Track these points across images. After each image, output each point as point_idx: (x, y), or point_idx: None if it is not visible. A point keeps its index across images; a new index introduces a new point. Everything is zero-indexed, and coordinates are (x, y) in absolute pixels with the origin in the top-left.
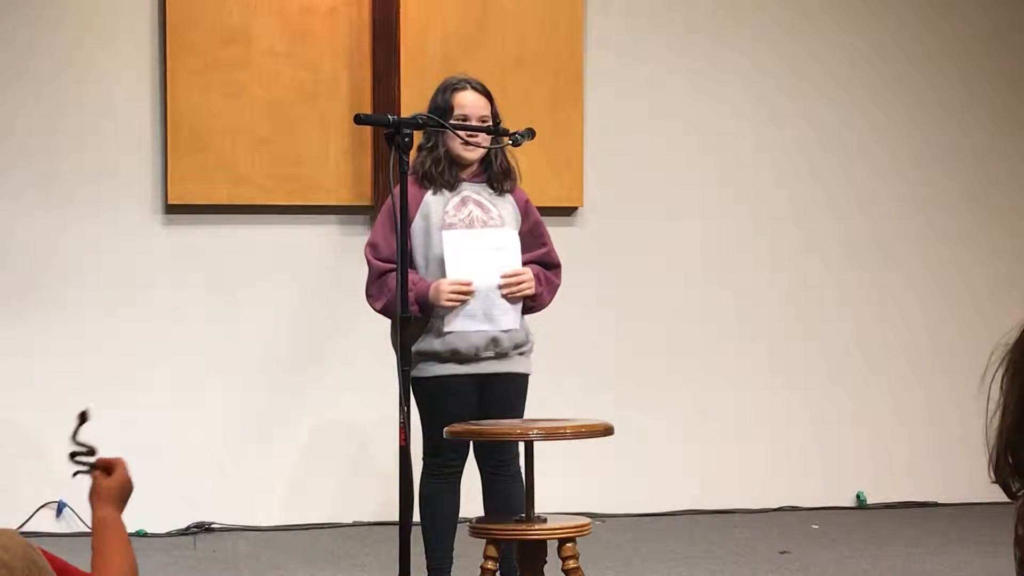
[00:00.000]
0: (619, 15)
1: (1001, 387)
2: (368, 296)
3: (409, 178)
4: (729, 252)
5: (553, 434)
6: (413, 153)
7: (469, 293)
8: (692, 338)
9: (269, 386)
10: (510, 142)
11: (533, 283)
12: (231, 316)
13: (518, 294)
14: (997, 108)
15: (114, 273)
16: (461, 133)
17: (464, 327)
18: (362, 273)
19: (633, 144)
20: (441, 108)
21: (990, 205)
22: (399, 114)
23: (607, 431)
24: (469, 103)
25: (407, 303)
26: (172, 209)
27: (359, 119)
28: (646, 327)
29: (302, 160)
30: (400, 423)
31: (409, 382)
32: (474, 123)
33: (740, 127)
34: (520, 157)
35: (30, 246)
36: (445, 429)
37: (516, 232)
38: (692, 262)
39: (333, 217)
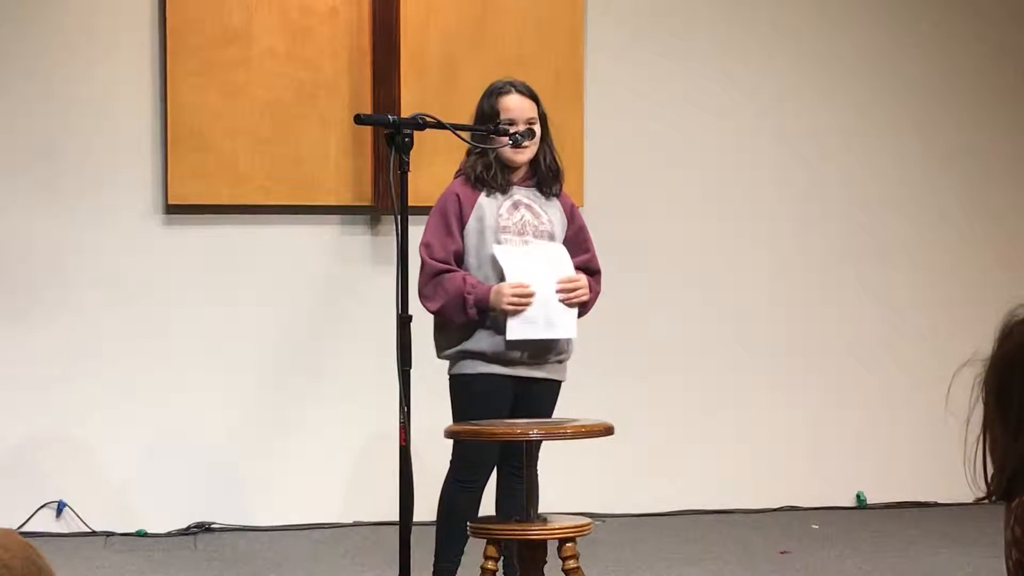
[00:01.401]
0: (619, 15)
1: (999, 405)
2: (422, 296)
3: (459, 180)
4: (729, 252)
5: (553, 434)
6: (414, 153)
7: (529, 296)
8: (692, 338)
9: (269, 386)
10: (510, 142)
11: (587, 293)
12: (231, 316)
13: (575, 300)
14: (998, 109)
15: (114, 273)
16: (506, 139)
17: (526, 334)
18: (362, 273)
19: (633, 144)
20: (487, 114)
21: (991, 207)
22: (399, 114)
23: (607, 431)
24: (515, 106)
25: (407, 303)
26: (172, 209)
27: (359, 119)
28: (646, 327)
29: (302, 160)
30: (400, 423)
31: (409, 382)
32: (521, 126)
33: (740, 127)
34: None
35: (30, 246)
36: (445, 429)
37: (563, 246)
38: (692, 262)
39: (333, 217)
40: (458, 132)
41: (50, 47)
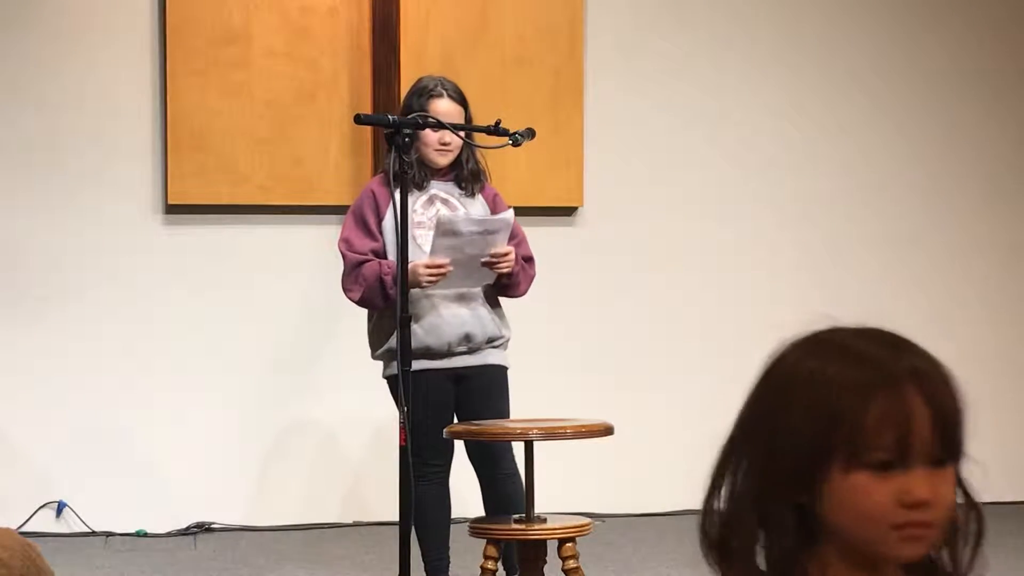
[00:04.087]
0: (619, 14)
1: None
2: (345, 289)
3: (377, 177)
4: (729, 251)
5: (553, 434)
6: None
7: (445, 267)
8: (692, 338)
9: (269, 386)
10: (510, 142)
11: (511, 265)
12: (231, 316)
13: (497, 267)
14: (1002, 107)
15: (114, 273)
16: (433, 140)
17: (443, 285)
18: None
19: (633, 144)
20: (416, 112)
21: (993, 205)
22: (399, 114)
23: (607, 431)
24: (443, 112)
25: (407, 304)
26: (172, 209)
27: (359, 119)
28: (646, 327)
29: (302, 160)
30: (400, 423)
31: (409, 382)
32: (446, 133)
33: (741, 126)
34: (520, 157)
35: (30, 246)
36: (445, 430)
37: (511, 213)
38: (692, 262)
39: (333, 217)
40: (457, 131)
41: (50, 47)
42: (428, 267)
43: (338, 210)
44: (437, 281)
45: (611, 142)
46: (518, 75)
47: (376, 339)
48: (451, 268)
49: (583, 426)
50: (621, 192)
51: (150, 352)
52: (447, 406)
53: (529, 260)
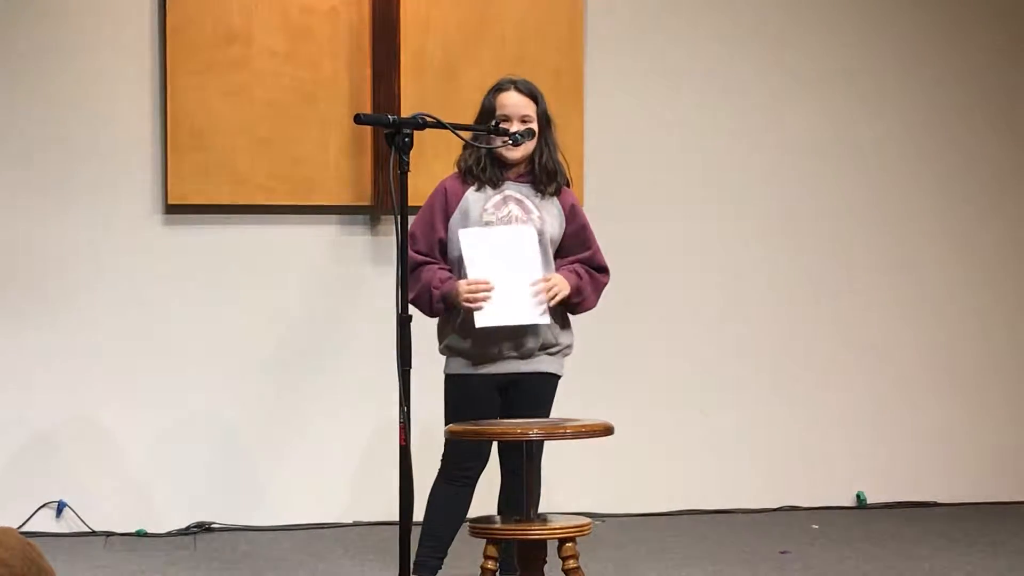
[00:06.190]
0: (619, 15)
1: None
2: None
3: (453, 173)
4: (729, 252)
5: (553, 434)
6: (413, 153)
7: (486, 290)
8: (692, 338)
9: (269, 386)
10: (509, 142)
11: (565, 285)
12: (231, 316)
13: (552, 302)
14: (1005, 107)
15: (114, 273)
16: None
17: (493, 322)
18: (362, 273)
19: (633, 144)
20: (486, 109)
21: (992, 207)
22: (399, 114)
23: (607, 431)
24: (510, 104)
25: (407, 303)
26: (172, 209)
27: (359, 119)
28: (646, 327)
29: (302, 160)
30: (400, 423)
31: (409, 382)
32: (515, 124)
33: (741, 127)
34: None
35: (30, 246)
36: (445, 429)
37: (533, 229)
38: (692, 262)
39: (333, 217)
40: (458, 132)
41: (50, 47)
42: (469, 286)
43: (338, 210)
44: (477, 303)
45: (611, 142)
46: (518, 75)
47: (439, 334)
48: (493, 287)
49: (583, 426)
50: (621, 192)
51: (150, 352)
52: (491, 412)
53: (602, 270)
